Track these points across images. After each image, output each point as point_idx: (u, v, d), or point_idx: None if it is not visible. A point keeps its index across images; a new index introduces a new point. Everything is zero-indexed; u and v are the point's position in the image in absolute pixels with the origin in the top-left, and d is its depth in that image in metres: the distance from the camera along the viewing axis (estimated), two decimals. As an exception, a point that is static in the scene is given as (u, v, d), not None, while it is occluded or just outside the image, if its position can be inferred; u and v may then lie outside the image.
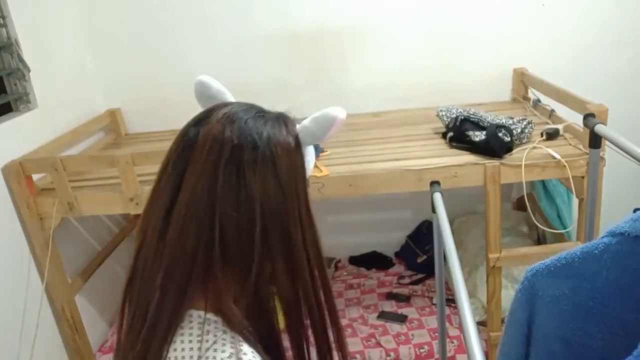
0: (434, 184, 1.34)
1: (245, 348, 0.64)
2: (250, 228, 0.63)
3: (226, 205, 0.63)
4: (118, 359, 0.69)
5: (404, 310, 2.21)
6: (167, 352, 0.63)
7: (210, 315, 0.65)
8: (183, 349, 0.63)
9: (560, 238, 2.04)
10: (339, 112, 0.73)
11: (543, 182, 2.20)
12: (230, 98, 0.76)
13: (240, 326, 0.65)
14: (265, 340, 0.69)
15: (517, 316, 0.91)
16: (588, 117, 1.49)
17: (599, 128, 1.41)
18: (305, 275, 0.69)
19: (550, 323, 0.85)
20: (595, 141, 1.48)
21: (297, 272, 0.68)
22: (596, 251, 0.80)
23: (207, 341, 0.63)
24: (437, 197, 1.28)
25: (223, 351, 0.62)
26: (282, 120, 0.71)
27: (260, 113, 0.70)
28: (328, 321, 0.72)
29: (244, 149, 0.64)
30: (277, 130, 0.68)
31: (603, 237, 0.81)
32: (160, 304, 0.64)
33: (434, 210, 1.28)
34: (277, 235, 0.65)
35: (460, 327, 0.74)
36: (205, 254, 0.63)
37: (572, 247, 0.85)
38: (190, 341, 0.64)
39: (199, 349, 0.63)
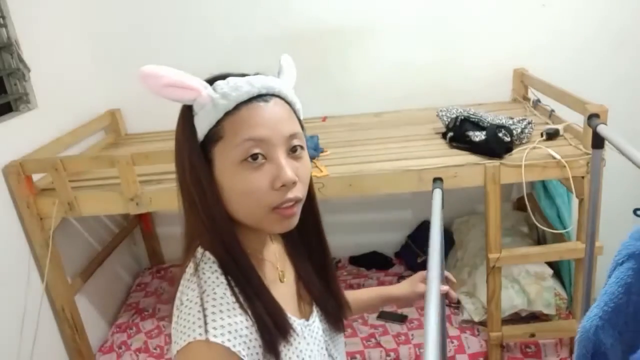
0: (437, 180, 1.33)
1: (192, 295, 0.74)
2: None
3: None
4: None
5: (404, 310, 2.21)
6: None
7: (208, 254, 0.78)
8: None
9: (560, 238, 2.04)
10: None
11: (543, 182, 2.20)
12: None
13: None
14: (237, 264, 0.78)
15: None
16: (592, 117, 1.48)
17: (602, 129, 1.40)
18: None
19: None
20: (598, 142, 1.47)
21: None
22: (629, 279, 0.77)
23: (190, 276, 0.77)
24: (437, 193, 1.27)
25: (188, 289, 0.76)
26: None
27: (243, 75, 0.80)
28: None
29: None
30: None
31: (622, 262, 0.78)
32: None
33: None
34: None
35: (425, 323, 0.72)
36: None
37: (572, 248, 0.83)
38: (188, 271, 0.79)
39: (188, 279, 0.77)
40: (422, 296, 1.14)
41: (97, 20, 2.36)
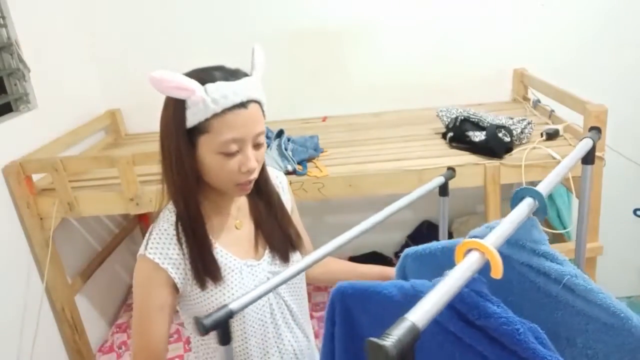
0: (449, 169, 1.30)
1: (164, 225, 1.05)
2: None
3: None
4: None
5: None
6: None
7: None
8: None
9: (560, 238, 2.04)
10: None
11: (543, 182, 2.20)
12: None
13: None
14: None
15: None
16: (592, 130, 1.24)
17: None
18: None
19: None
20: (587, 157, 1.16)
21: None
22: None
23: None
24: (438, 179, 1.26)
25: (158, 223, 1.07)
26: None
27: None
28: None
29: None
30: None
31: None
32: None
33: (440, 193, 1.29)
34: None
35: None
36: None
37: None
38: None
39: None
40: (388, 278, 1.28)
41: (97, 20, 2.36)
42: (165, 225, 1.04)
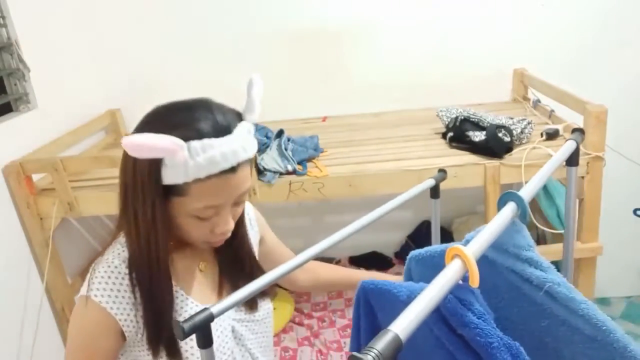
0: (440, 171, 1.30)
1: (115, 261, 0.89)
2: None
3: None
4: None
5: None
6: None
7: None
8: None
9: (559, 238, 2.04)
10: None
11: (543, 182, 2.20)
12: None
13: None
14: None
15: None
16: (575, 132, 1.25)
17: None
18: None
19: None
20: (571, 159, 1.23)
21: None
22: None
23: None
24: (428, 182, 1.25)
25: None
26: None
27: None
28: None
29: None
30: None
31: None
32: None
33: (432, 196, 1.27)
34: None
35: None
36: None
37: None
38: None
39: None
40: None
41: (97, 20, 2.36)
42: (116, 262, 0.88)
